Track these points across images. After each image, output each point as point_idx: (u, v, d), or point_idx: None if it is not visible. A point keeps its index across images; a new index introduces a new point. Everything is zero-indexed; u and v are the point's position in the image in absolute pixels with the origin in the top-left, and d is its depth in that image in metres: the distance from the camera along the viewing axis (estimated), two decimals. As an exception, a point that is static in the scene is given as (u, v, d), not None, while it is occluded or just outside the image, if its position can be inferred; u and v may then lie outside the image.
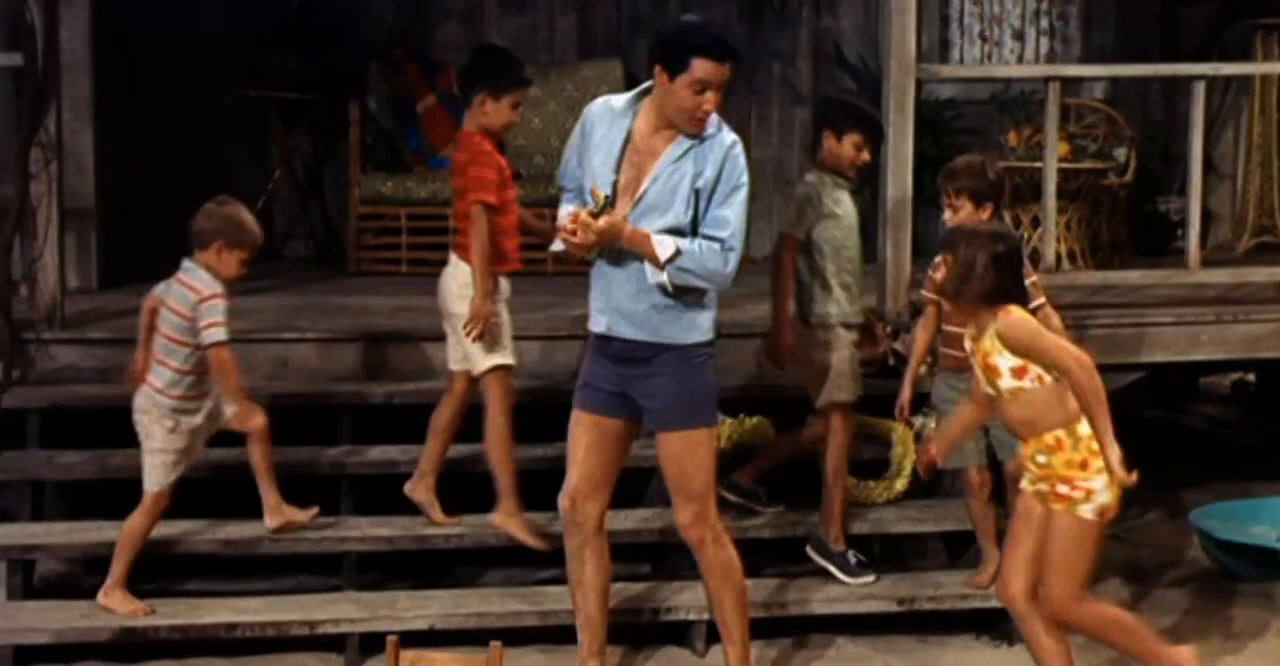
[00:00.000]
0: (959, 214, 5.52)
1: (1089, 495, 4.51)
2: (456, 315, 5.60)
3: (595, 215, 4.66)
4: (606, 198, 4.73)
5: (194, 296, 5.37)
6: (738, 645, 5.03)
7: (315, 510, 5.66)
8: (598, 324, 4.85)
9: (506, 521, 5.69)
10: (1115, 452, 4.45)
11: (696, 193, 4.72)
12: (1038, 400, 4.53)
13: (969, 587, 5.75)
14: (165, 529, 5.59)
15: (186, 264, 5.44)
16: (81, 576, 5.94)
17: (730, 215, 4.72)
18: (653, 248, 4.67)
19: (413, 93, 8.66)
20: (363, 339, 6.50)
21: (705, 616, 5.54)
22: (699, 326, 4.80)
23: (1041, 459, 4.56)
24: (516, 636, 5.31)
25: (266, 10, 8.56)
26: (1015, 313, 4.56)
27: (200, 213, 5.49)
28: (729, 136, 4.78)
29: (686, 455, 4.81)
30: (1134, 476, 4.46)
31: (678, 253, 4.67)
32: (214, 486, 5.74)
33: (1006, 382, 4.57)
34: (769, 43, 9.13)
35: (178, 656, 5.45)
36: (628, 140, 4.79)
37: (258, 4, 8.51)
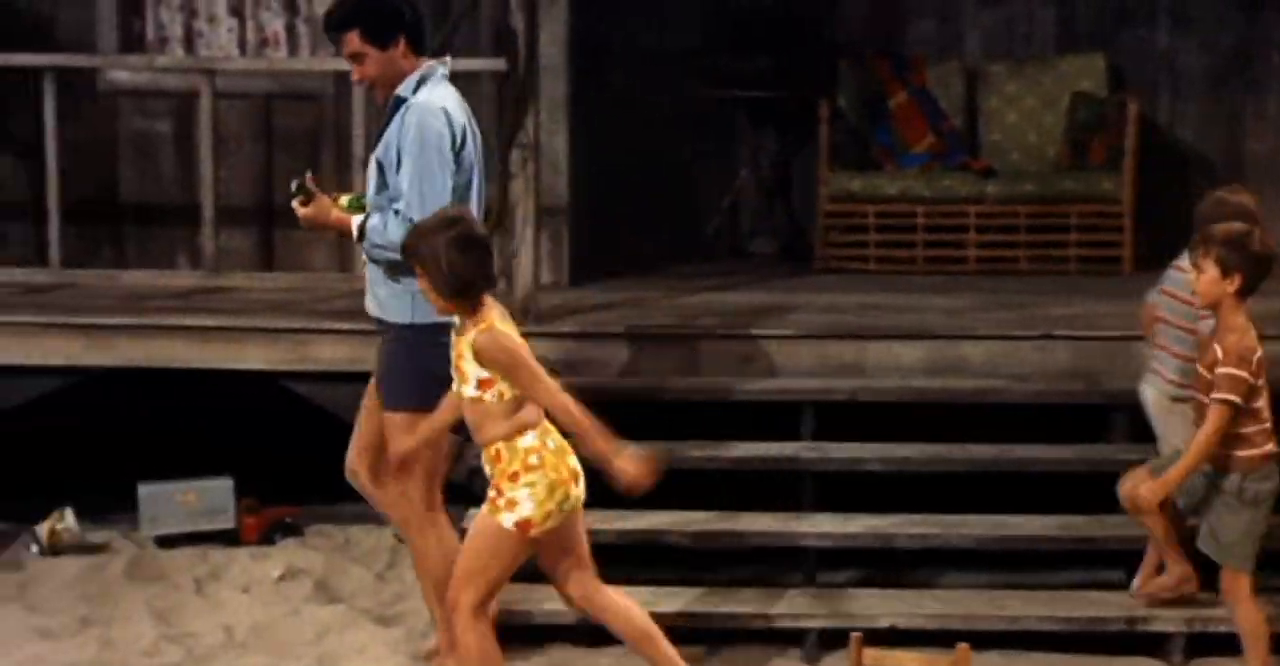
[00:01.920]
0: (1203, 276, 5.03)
1: (511, 505, 4.57)
2: None
3: (305, 203, 5.06)
4: (299, 186, 5.07)
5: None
6: None
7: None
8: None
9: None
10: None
11: (380, 163, 4.99)
12: (492, 412, 4.60)
13: None
14: (637, 521, 5.82)
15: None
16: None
17: (407, 185, 4.89)
18: (350, 229, 5.00)
19: (882, 89, 8.72)
20: (827, 336, 6.60)
21: (1185, 629, 5.40)
22: (414, 309, 4.94)
23: (486, 468, 4.68)
24: (978, 639, 5.29)
25: (736, 10, 8.79)
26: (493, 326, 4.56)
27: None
28: (418, 99, 4.95)
29: (387, 432, 5.02)
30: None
31: (362, 229, 4.96)
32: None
33: (470, 391, 4.61)
34: (1268, 32, 8.73)
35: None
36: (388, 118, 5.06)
37: (728, 3, 8.76)
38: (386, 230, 4.92)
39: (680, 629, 5.52)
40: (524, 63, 6.59)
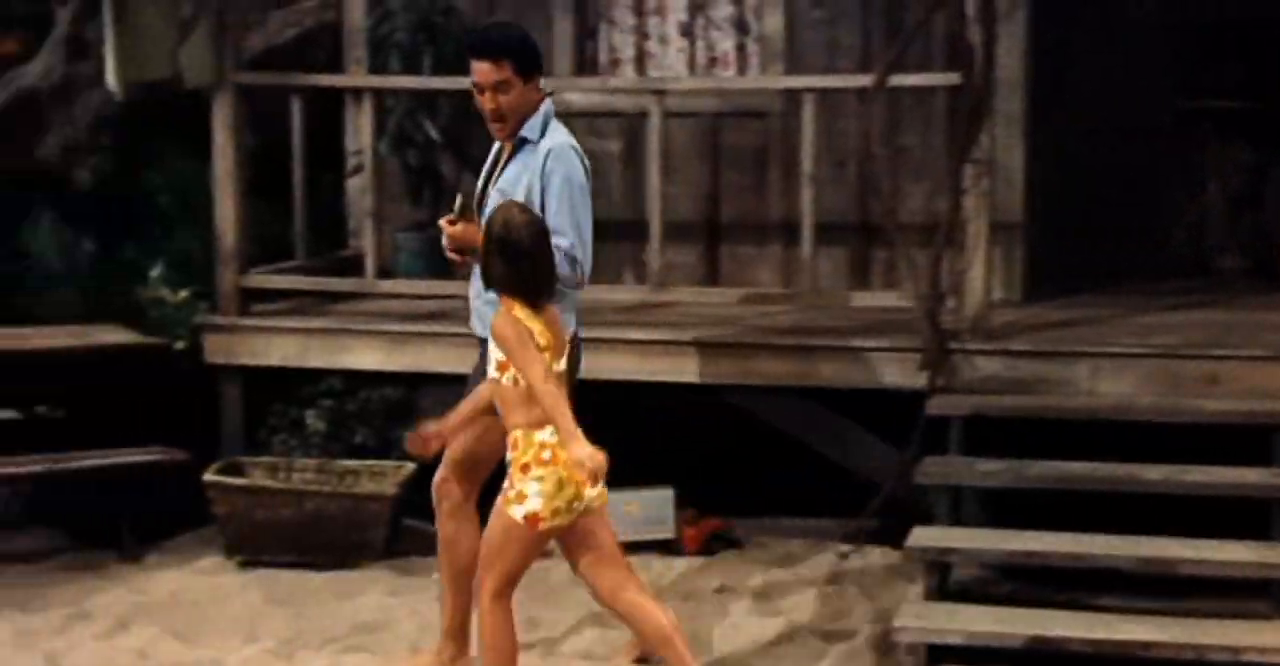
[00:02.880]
0: None
1: (521, 497, 4.62)
2: None
3: (453, 222, 5.11)
4: (463, 204, 5.14)
5: None
6: None
7: None
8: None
9: None
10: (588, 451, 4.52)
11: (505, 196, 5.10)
12: (508, 397, 4.73)
13: None
14: (1078, 546, 5.65)
15: None
16: (994, 582, 6.10)
17: (565, 224, 5.06)
18: None
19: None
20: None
21: None
22: None
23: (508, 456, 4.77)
24: None
25: (1202, 18, 8.46)
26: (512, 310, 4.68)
27: None
28: (548, 141, 5.12)
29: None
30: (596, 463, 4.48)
31: None
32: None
33: (492, 372, 4.78)
34: None
35: (1088, 671, 5.48)
36: (500, 152, 5.29)
37: (1194, 12, 8.43)
38: (559, 264, 5.03)
39: (1140, 659, 5.33)
40: (980, 76, 6.50)
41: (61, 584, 6.47)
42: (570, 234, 5.11)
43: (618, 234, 8.18)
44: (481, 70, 5.16)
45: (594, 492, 4.76)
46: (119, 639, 5.86)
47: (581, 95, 8.25)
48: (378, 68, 8.07)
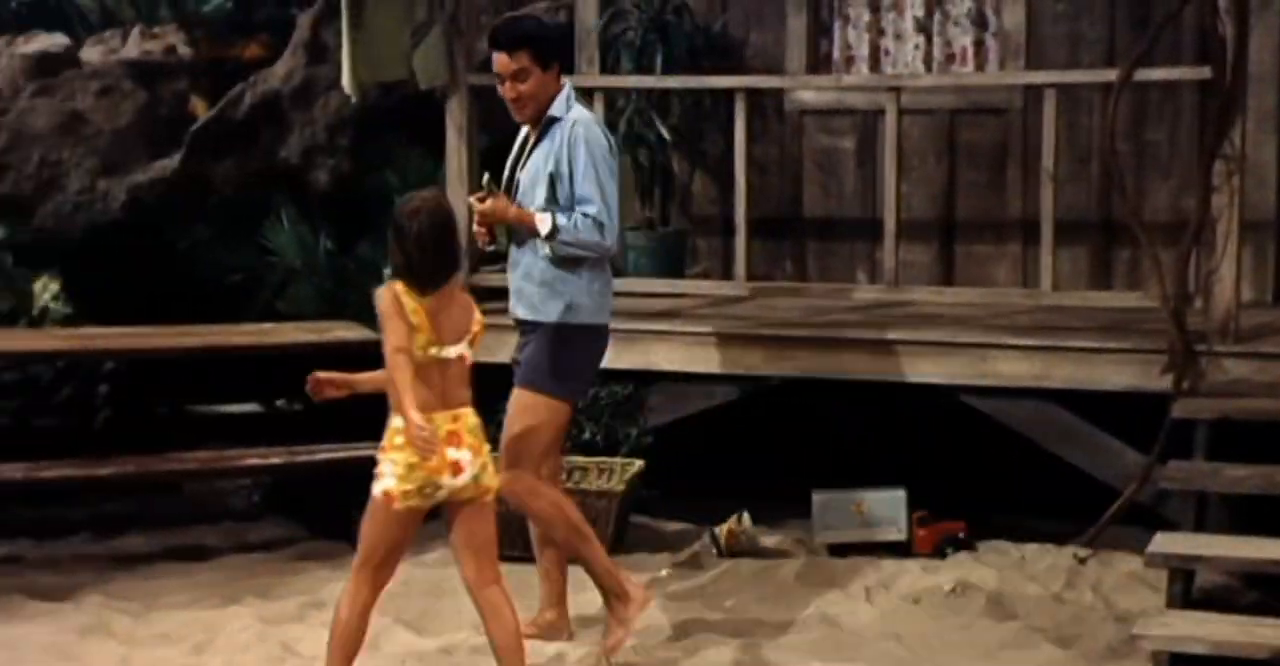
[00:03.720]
0: None
1: (379, 475, 4.86)
2: None
3: (482, 199, 5.50)
4: (488, 182, 5.54)
5: None
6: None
7: None
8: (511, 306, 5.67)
9: None
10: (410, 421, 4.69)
11: (552, 176, 5.49)
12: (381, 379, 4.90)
13: None
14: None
15: None
16: (1239, 591, 5.95)
17: (591, 191, 5.44)
18: (534, 224, 5.47)
19: None
20: None
21: None
22: (568, 311, 5.56)
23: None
24: None
25: None
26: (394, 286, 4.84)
27: None
28: (572, 116, 5.53)
29: (515, 412, 5.58)
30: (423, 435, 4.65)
31: (555, 228, 5.46)
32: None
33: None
34: None
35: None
36: (526, 137, 5.67)
37: None
38: (578, 230, 5.47)
39: None
40: (1232, 71, 6.35)
41: (298, 573, 6.66)
42: (597, 201, 5.47)
43: (851, 232, 8.21)
44: (500, 61, 5.55)
45: (458, 482, 4.88)
46: (351, 626, 6.00)
47: (815, 93, 8.26)
48: (608, 67, 8.17)
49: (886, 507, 6.76)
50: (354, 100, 7.87)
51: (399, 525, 4.94)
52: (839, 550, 6.76)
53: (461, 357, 4.92)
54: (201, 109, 9.09)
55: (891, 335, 6.87)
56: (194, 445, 6.95)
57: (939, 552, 6.67)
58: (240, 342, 7.31)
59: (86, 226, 8.43)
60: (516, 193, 5.64)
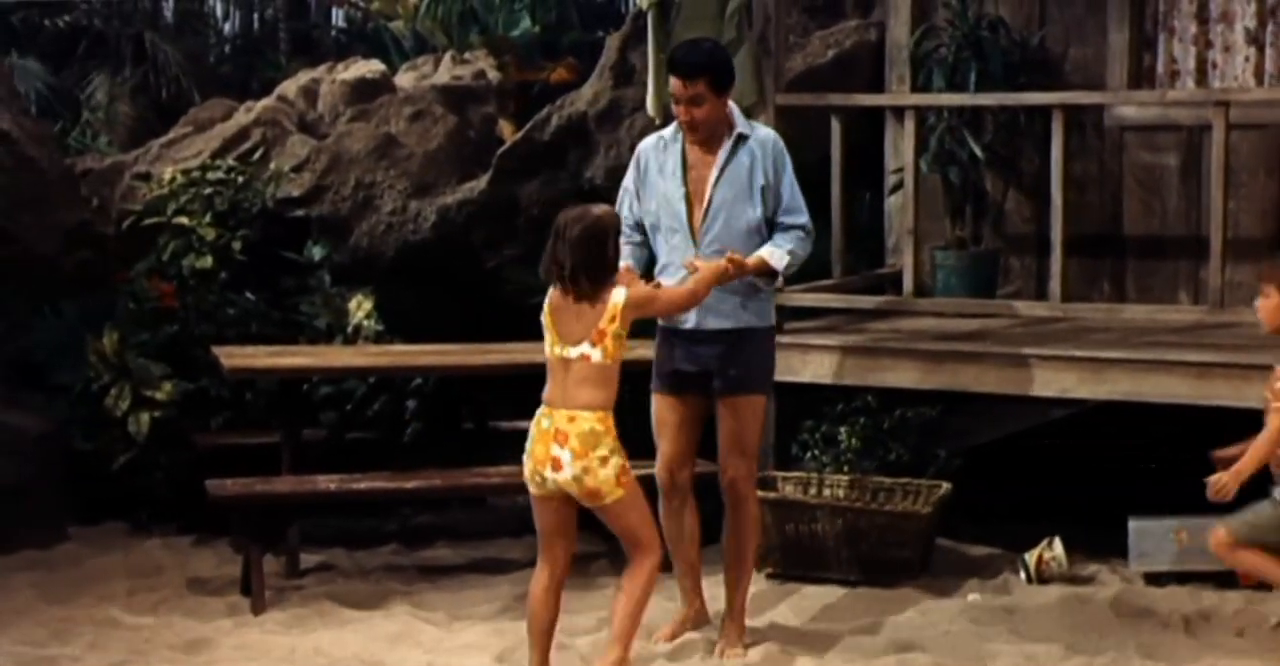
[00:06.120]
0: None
1: None
2: None
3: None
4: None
5: None
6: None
7: None
8: (687, 321, 5.99)
9: None
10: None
11: (763, 189, 5.97)
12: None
13: None
14: None
15: None
16: None
17: (801, 202, 6.05)
18: (767, 265, 5.95)
19: None
20: None
21: None
22: (770, 314, 6.16)
23: None
24: None
25: None
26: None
27: None
28: (762, 133, 6.08)
29: (745, 417, 6.03)
30: None
31: (790, 254, 5.97)
32: None
33: None
34: None
35: None
36: (684, 159, 6.03)
37: None
38: (798, 249, 6.02)
39: None
40: None
41: (597, 588, 6.87)
42: (805, 212, 6.05)
43: (1174, 251, 8.08)
44: (677, 85, 5.94)
45: (559, 477, 5.44)
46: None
47: (1136, 109, 8.16)
48: (918, 85, 8.21)
49: (1209, 537, 6.61)
50: (657, 122, 8.06)
51: (538, 510, 5.59)
52: (1156, 579, 6.65)
53: (584, 357, 5.45)
54: (509, 131, 9.43)
55: (1214, 357, 6.73)
56: (498, 460, 7.17)
57: (1265, 584, 6.51)
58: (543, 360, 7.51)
59: (398, 246, 8.80)
60: (710, 207, 6.00)
